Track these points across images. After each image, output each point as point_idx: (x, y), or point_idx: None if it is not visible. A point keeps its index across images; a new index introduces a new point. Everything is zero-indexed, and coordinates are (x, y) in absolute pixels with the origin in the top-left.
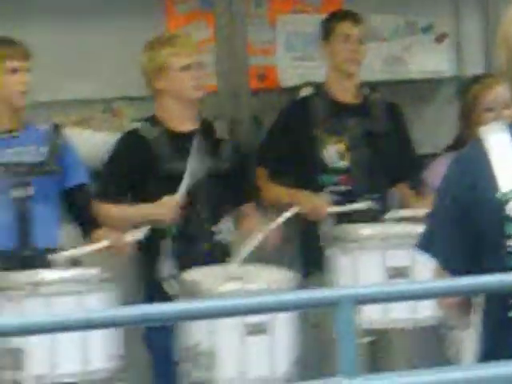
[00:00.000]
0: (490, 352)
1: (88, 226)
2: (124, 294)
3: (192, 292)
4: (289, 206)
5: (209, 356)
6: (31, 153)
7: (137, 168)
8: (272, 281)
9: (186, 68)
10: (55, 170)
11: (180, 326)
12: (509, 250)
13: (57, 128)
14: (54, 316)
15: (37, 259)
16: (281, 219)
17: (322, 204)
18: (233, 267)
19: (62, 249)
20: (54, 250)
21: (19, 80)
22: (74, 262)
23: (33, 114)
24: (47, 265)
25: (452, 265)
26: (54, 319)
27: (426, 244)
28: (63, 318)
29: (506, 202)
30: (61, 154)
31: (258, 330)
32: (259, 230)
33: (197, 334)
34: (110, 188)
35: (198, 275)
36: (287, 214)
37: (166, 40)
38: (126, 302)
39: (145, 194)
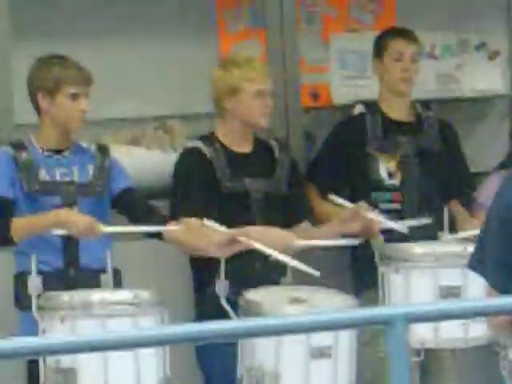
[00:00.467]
0: None
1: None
2: (175, 314)
3: (254, 313)
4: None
5: (274, 377)
6: (78, 173)
7: (201, 186)
8: (335, 303)
9: (259, 94)
10: (102, 191)
11: (242, 346)
12: None
13: (102, 148)
14: (107, 334)
15: (83, 279)
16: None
17: (374, 223)
18: (292, 289)
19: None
20: (101, 271)
21: (78, 107)
22: (117, 282)
23: (84, 132)
24: (94, 285)
25: (501, 284)
26: (107, 337)
27: (475, 263)
28: (116, 336)
29: None
30: (107, 175)
31: (322, 353)
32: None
33: (261, 354)
34: (185, 208)
35: (258, 296)
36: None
37: (242, 61)
38: (180, 322)
39: (207, 213)
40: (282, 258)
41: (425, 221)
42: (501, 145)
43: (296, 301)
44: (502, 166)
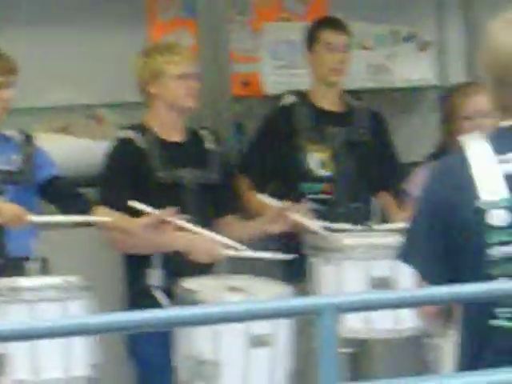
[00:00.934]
0: (470, 360)
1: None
2: (106, 302)
3: (191, 302)
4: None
5: (212, 366)
6: (3, 161)
7: (132, 177)
8: (273, 293)
9: (182, 76)
10: (28, 179)
11: (178, 334)
12: (489, 258)
13: (27, 137)
14: (37, 322)
15: (10, 268)
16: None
17: (304, 218)
18: (228, 278)
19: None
20: (27, 259)
21: (0, 96)
22: (45, 270)
23: (14, 121)
24: (20, 273)
25: (431, 275)
26: (37, 325)
27: (405, 254)
28: (46, 325)
29: (487, 211)
30: (33, 163)
31: (261, 342)
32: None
33: (199, 343)
34: (114, 195)
35: (195, 284)
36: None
37: (163, 47)
38: (109, 311)
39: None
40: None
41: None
42: (432, 135)
43: (233, 289)
44: (433, 156)
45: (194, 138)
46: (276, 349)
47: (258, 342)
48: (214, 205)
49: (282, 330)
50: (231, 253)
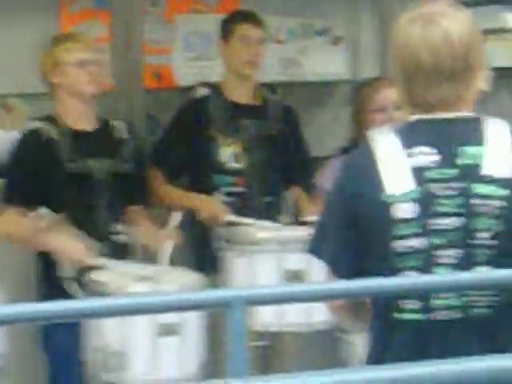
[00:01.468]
0: (378, 354)
1: None
2: (18, 293)
3: (100, 293)
4: (184, 208)
5: (119, 357)
6: None
7: (41, 169)
8: (183, 283)
9: (81, 63)
10: None
11: (87, 325)
12: (396, 252)
13: None
14: None
15: None
16: (174, 222)
17: (221, 212)
18: (141, 268)
19: None
20: None
21: None
22: None
23: None
24: None
25: (340, 268)
26: None
27: (315, 247)
28: None
29: (392, 203)
30: None
31: (169, 330)
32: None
33: (107, 334)
34: (18, 192)
35: (105, 276)
36: (178, 217)
37: (62, 37)
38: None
39: (49, 195)
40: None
41: (277, 225)
42: (343, 129)
43: (143, 279)
44: (343, 150)
45: (105, 127)
46: (185, 337)
47: (166, 330)
48: (126, 194)
49: (190, 319)
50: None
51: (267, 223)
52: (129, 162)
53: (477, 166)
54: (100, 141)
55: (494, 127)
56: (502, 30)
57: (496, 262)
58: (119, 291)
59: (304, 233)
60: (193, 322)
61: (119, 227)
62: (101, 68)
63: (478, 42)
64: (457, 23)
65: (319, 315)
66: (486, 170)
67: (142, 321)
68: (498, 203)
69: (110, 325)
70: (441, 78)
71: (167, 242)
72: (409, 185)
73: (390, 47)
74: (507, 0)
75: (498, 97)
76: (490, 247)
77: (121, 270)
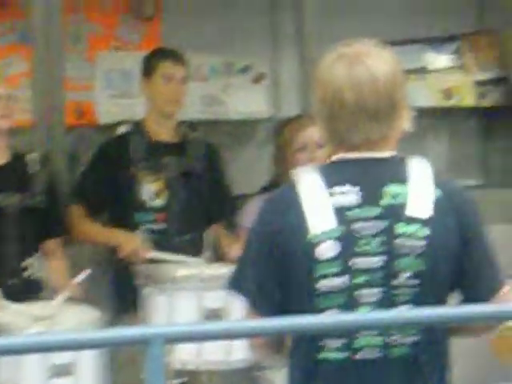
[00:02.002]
0: None
1: None
2: None
3: (2, 333)
4: (105, 244)
5: None
6: None
7: None
8: (80, 321)
9: None
10: None
11: None
12: (318, 292)
13: None
14: None
15: None
16: (81, 276)
17: (141, 248)
18: (41, 307)
19: None
20: None
21: None
22: None
23: None
24: None
25: (260, 305)
26: None
27: (235, 283)
28: None
29: (316, 244)
30: None
31: (62, 371)
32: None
33: (2, 373)
34: None
35: (7, 316)
36: (85, 273)
37: None
38: None
39: None
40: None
41: (199, 261)
42: (265, 168)
43: (40, 319)
44: (265, 189)
45: (18, 161)
46: (79, 378)
47: (59, 371)
48: (38, 228)
49: (85, 359)
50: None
51: (190, 258)
52: (40, 196)
53: (400, 206)
54: (10, 175)
55: (416, 167)
56: (423, 70)
57: (418, 301)
58: (20, 332)
59: (225, 271)
60: (88, 361)
61: (31, 261)
62: (12, 102)
63: (402, 81)
64: (382, 63)
65: (238, 353)
66: (409, 209)
67: (34, 360)
68: (420, 243)
69: (4, 363)
70: (365, 117)
71: (65, 292)
72: (331, 224)
73: (314, 85)
74: (429, 40)
75: (420, 136)
76: (412, 286)
77: (18, 310)
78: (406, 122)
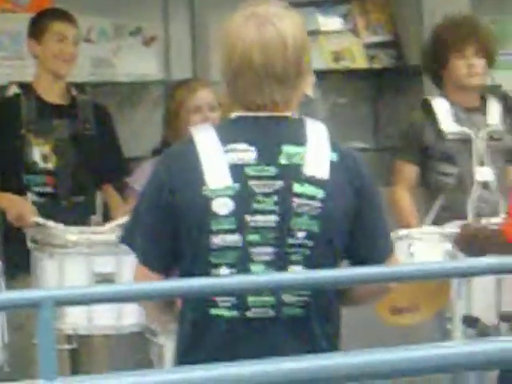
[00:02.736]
0: (189, 353)
1: None
2: None
3: None
4: None
5: None
6: None
7: None
8: None
9: None
10: None
11: None
12: (211, 247)
13: None
14: None
15: None
16: None
17: (27, 212)
18: None
19: None
20: None
21: None
22: None
23: None
24: None
25: (152, 260)
26: None
27: (128, 237)
28: None
29: (211, 200)
30: None
31: None
32: None
33: None
34: None
35: None
36: None
37: None
38: None
39: None
40: None
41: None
42: (156, 130)
43: None
44: (156, 151)
45: None
46: None
47: None
48: None
49: None
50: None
51: (73, 228)
52: None
53: (297, 166)
54: None
55: (314, 129)
56: (314, 33)
57: (311, 262)
58: None
59: (114, 235)
60: None
61: None
62: None
63: (308, 45)
64: (291, 26)
65: (129, 318)
66: (307, 170)
67: None
68: (315, 204)
69: None
70: (271, 80)
71: None
72: (227, 181)
73: (221, 45)
74: (320, 3)
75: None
76: (305, 247)
77: None
78: (308, 86)
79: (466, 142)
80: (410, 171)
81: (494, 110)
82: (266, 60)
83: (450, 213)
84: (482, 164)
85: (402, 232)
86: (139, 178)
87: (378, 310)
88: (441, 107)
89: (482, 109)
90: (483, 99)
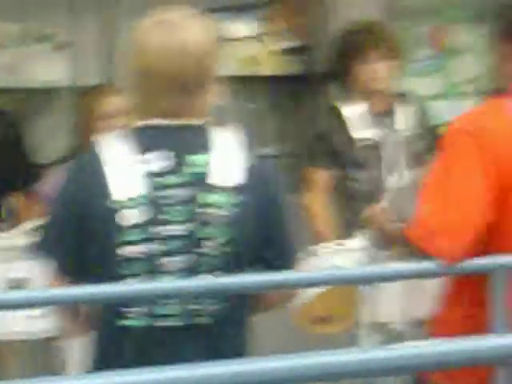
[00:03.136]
0: (102, 361)
1: None
2: None
3: None
4: None
5: None
6: None
7: None
8: None
9: None
10: None
11: None
12: (121, 258)
13: None
14: None
15: None
16: None
17: None
18: None
19: None
20: None
21: None
22: None
23: None
24: None
25: (65, 271)
26: None
27: (41, 247)
28: None
29: (118, 210)
30: None
31: None
32: None
33: None
34: None
35: None
36: None
37: None
38: None
39: None
40: None
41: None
42: (65, 137)
43: None
44: (66, 158)
45: None
46: None
47: None
48: None
49: None
50: None
51: None
52: None
53: (203, 175)
54: None
55: (222, 136)
56: (224, 39)
57: (221, 270)
58: None
59: (26, 240)
60: None
61: None
62: None
63: (216, 53)
64: (198, 33)
65: (40, 323)
66: (214, 178)
67: None
68: (224, 212)
69: None
70: (177, 89)
71: None
72: (136, 191)
73: (128, 52)
74: (229, 9)
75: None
76: (215, 256)
77: None
78: (216, 94)
79: (375, 147)
80: (322, 177)
81: (404, 115)
82: (171, 68)
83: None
84: (392, 169)
85: (312, 248)
86: (48, 185)
87: (298, 320)
88: (349, 113)
89: (390, 114)
90: (392, 104)
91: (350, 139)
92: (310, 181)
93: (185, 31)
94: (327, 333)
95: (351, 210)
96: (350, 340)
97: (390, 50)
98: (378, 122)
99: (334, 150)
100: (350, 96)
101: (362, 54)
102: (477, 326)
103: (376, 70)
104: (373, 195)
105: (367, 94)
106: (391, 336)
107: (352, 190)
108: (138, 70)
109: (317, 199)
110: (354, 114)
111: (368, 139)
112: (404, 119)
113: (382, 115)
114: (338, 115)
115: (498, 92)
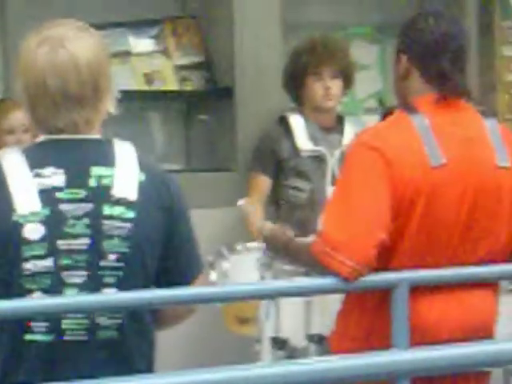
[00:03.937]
0: (6, 376)
1: None
2: None
3: None
4: None
5: None
6: None
7: None
8: None
9: None
10: None
11: None
12: (24, 273)
13: None
14: None
15: None
16: None
17: None
18: None
19: None
20: None
21: None
22: None
23: None
24: None
25: None
26: None
27: None
28: None
29: (21, 226)
30: None
31: None
32: None
33: None
34: None
35: None
36: None
37: None
38: None
39: None
40: None
41: None
42: None
43: None
44: None
45: None
46: None
47: None
48: None
49: None
50: None
51: None
52: None
53: (105, 188)
54: None
55: (122, 149)
56: (126, 54)
57: (124, 284)
58: None
59: None
60: None
61: None
62: None
63: (105, 65)
64: (85, 48)
65: None
66: (115, 191)
67: None
68: (125, 225)
69: None
70: (68, 103)
71: None
72: (36, 205)
73: (18, 69)
74: (131, 24)
75: (124, 120)
76: (117, 269)
77: None
78: (110, 105)
79: (320, 160)
80: (262, 182)
81: (351, 131)
82: (60, 83)
83: (302, 229)
84: (335, 183)
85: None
86: None
87: (227, 322)
88: (297, 124)
89: (338, 129)
90: (341, 119)
91: (296, 149)
92: (251, 186)
93: (70, 46)
94: (245, 334)
95: (290, 218)
96: (252, 355)
97: (343, 68)
98: (324, 137)
99: (278, 157)
100: (301, 109)
101: (316, 71)
102: (379, 340)
103: (329, 88)
104: (313, 206)
105: (318, 110)
106: (293, 351)
107: (293, 198)
108: (29, 89)
109: (253, 203)
110: (302, 126)
111: (314, 151)
112: (351, 135)
113: (330, 130)
114: (285, 125)
115: (401, 107)
